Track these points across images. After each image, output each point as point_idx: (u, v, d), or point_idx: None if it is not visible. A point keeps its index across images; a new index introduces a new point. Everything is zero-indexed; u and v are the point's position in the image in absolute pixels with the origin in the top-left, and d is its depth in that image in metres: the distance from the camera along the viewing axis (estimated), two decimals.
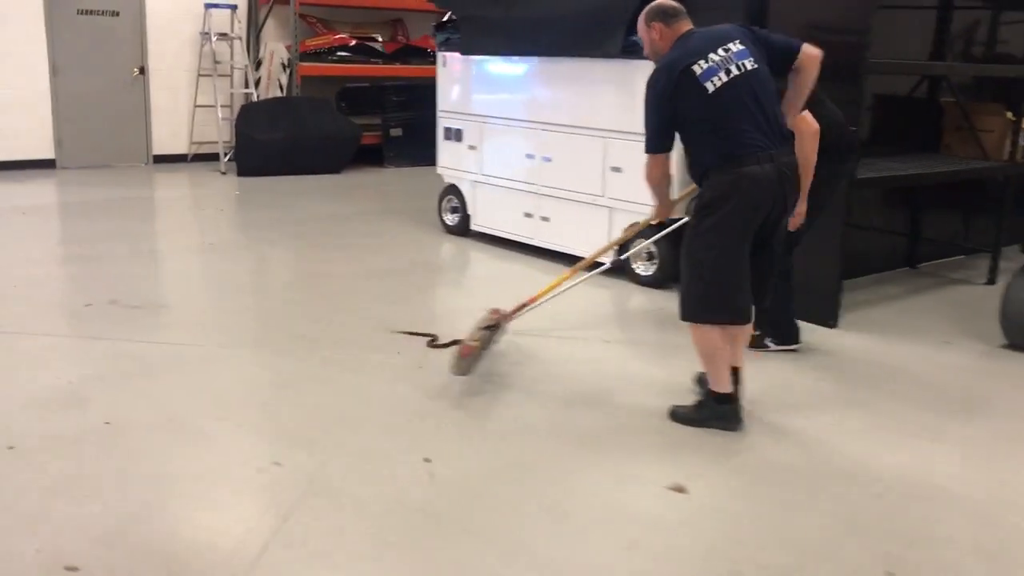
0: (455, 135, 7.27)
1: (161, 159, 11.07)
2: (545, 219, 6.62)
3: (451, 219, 7.51)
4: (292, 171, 10.38)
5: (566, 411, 3.91)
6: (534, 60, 6.48)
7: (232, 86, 11.18)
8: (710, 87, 3.48)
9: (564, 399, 4.05)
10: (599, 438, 3.67)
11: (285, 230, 7.48)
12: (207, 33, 10.75)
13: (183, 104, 11.10)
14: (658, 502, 3.14)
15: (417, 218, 8.04)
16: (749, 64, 3.53)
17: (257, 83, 11.14)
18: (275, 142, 10.30)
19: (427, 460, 3.38)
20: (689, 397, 3.91)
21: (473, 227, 7.26)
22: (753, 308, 3.74)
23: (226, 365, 4.35)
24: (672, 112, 3.57)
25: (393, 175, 11.11)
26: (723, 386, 3.72)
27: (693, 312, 3.68)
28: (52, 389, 3.97)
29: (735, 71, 3.51)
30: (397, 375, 4.27)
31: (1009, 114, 6.23)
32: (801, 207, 4.25)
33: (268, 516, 2.96)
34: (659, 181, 3.79)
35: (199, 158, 11.19)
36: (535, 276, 6.04)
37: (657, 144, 3.66)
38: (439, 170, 7.54)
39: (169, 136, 11.12)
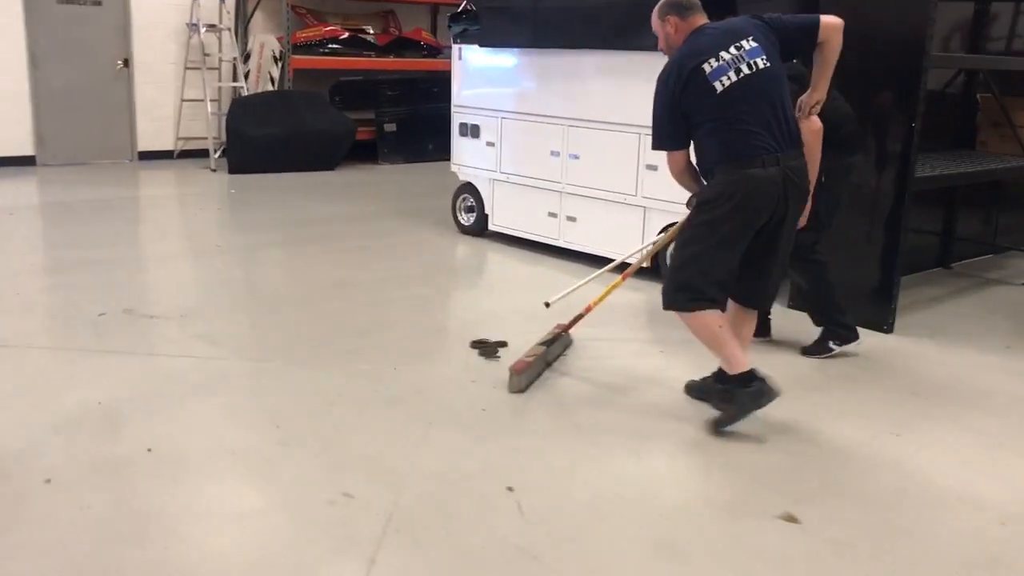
0: (472, 131, 6.97)
1: (146, 156, 10.64)
2: (571, 219, 6.35)
3: (467, 219, 7.21)
4: (285, 168, 10.02)
5: (641, 428, 3.64)
6: (561, 52, 6.20)
7: (220, 79, 10.76)
8: (719, 86, 3.39)
9: (634, 415, 3.78)
10: (685, 460, 3.42)
11: (292, 232, 7.13)
12: (195, 24, 10.33)
13: (169, 98, 10.66)
14: (774, 534, 2.88)
15: (427, 217, 7.73)
16: (761, 63, 3.42)
17: (246, 76, 10.73)
18: (269, 138, 9.93)
19: (510, 489, 3.10)
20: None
21: (492, 227, 6.97)
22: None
23: (270, 382, 4.02)
24: (682, 110, 3.47)
25: (389, 172, 10.77)
26: (740, 365, 3.53)
27: (673, 300, 3.57)
28: (81, 411, 3.62)
29: (746, 70, 3.40)
30: (451, 390, 3.98)
31: None
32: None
33: (353, 559, 2.66)
34: (681, 175, 3.66)
35: (186, 154, 10.77)
36: (565, 279, 5.77)
37: (670, 142, 3.58)
38: (453, 167, 7.24)
39: (155, 132, 10.67)
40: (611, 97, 5.93)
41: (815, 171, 4.06)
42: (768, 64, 3.44)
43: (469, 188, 7.14)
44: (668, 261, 5.71)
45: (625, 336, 4.84)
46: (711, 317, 3.53)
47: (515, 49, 6.51)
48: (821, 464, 3.40)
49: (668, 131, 3.56)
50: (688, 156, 3.61)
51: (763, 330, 4.80)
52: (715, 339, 3.55)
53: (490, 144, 6.84)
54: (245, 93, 10.45)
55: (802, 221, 4.17)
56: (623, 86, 5.86)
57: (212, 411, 3.67)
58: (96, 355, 4.28)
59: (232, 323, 4.83)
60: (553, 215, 6.45)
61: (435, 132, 11.52)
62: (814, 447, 3.53)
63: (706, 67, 3.40)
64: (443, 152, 11.36)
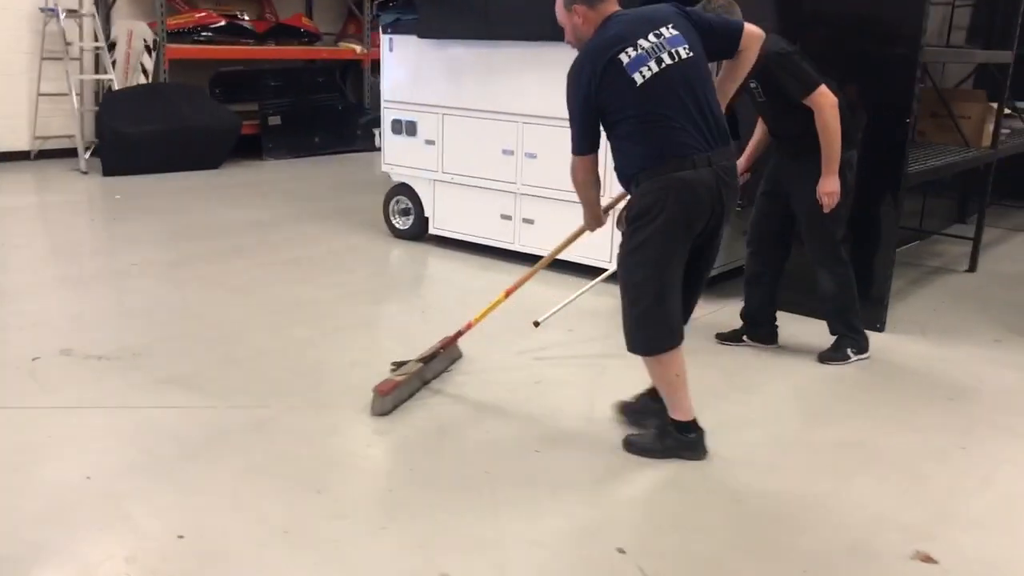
0: (407, 128, 6.47)
1: None
2: (528, 221, 5.99)
3: (402, 222, 6.71)
4: (166, 168, 9.10)
5: (710, 468, 3.36)
6: (516, 44, 5.79)
7: (82, 71, 9.68)
8: (639, 78, 3.04)
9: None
10: (783, 497, 3.16)
11: (211, 244, 6.40)
12: (52, 9, 9.22)
13: (23, 92, 9.49)
14: None
15: (349, 220, 7.16)
16: (684, 52, 3.10)
17: (113, 66, 9.69)
18: (147, 136, 8.99)
19: (621, 551, 2.75)
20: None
21: (433, 231, 6.51)
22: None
23: (278, 434, 3.46)
24: (597, 107, 3.12)
25: (279, 168, 10.01)
26: (687, 413, 3.32)
27: (638, 343, 3.26)
28: (68, 490, 2.99)
29: (668, 60, 3.07)
30: (488, 431, 3.57)
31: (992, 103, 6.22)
32: (832, 184, 4.08)
33: None
34: (587, 184, 3.35)
35: (46, 155, 9.64)
36: (532, 287, 5.39)
37: (582, 144, 3.20)
38: (384, 167, 6.71)
39: (7, 130, 9.46)
40: None
41: (838, 149, 4.01)
42: (691, 53, 3.12)
43: (404, 189, 6.64)
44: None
45: None
46: (676, 361, 3.25)
47: (461, 41, 6.06)
48: (913, 489, 3.22)
49: (582, 132, 3.18)
50: (596, 161, 3.27)
51: (770, 338, 4.64)
52: (672, 385, 3.29)
53: (429, 142, 6.36)
54: (115, 87, 9.44)
55: (831, 201, 4.09)
56: None
57: (231, 477, 3.12)
58: (54, 413, 3.58)
59: (198, 361, 4.19)
60: (507, 217, 6.07)
61: (322, 124, 10.90)
62: (892, 469, 3.36)
63: (623, 57, 3.05)
64: (331, 146, 10.85)
